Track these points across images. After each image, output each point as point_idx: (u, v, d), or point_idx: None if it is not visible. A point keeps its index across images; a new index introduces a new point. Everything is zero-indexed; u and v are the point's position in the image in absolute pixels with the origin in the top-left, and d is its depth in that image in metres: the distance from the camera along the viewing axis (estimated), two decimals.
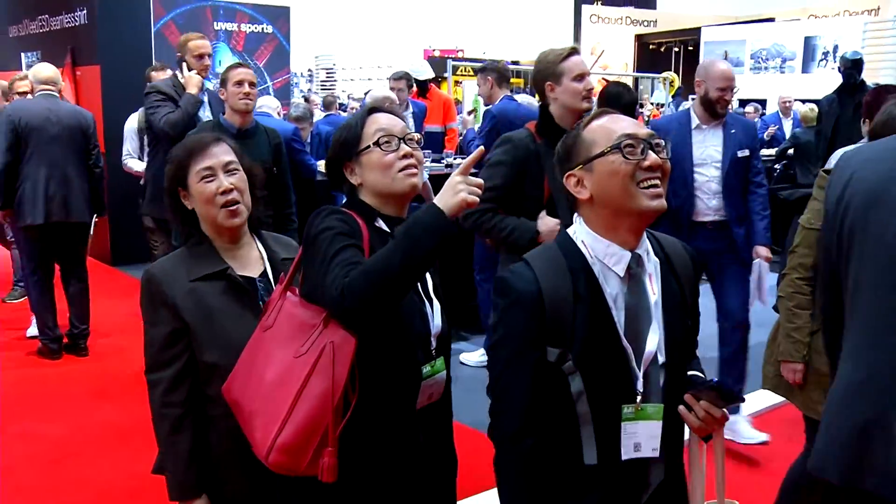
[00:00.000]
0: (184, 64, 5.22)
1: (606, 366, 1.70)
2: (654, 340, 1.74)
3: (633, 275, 1.74)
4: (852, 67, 7.34)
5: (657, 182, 1.69)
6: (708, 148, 4.29)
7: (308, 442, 1.84)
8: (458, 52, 20.03)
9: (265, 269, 2.19)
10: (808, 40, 13.99)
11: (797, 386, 3.08)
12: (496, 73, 5.77)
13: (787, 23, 14.81)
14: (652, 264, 1.78)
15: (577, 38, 19.23)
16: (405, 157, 2.00)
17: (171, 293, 2.05)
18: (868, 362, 1.89)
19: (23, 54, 10.27)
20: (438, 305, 2.10)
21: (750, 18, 15.26)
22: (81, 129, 5.63)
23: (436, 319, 2.07)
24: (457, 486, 2.26)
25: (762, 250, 4.29)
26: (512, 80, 15.91)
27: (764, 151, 9.33)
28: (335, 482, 1.87)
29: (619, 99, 4.80)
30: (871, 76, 11.23)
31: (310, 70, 21.08)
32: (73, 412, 4.74)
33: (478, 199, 1.80)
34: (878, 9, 12.93)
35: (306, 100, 12.25)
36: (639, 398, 1.72)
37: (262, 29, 9.87)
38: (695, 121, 4.34)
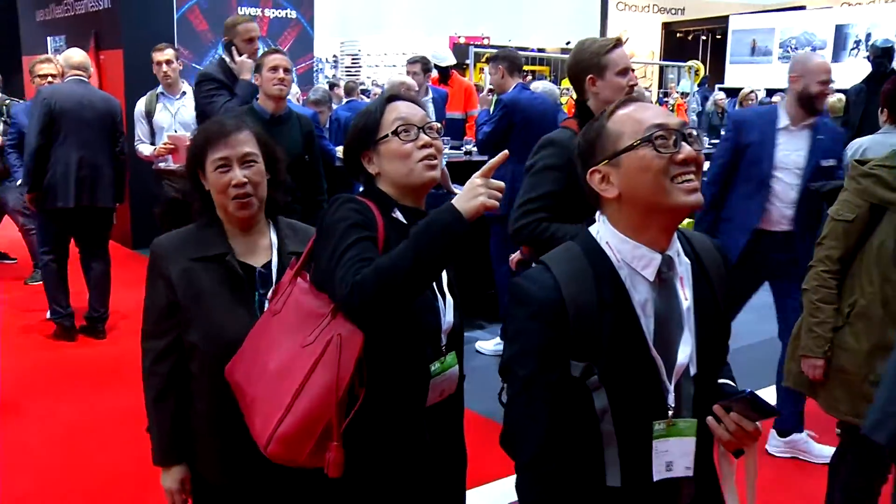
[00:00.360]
0: (233, 48, 5.08)
1: (634, 380, 1.57)
2: (686, 351, 1.60)
3: (664, 279, 1.60)
4: (882, 56, 7.19)
5: (692, 176, 1.54)
6: (792, 153, 3.92)
7: (308, 435, 1.81)
8: (483, 39, 19.93)
9: (271, 258, 2.15)
10: (839, 28, 13.76)
11: (818, 383, 2.97)
12: (507, 62, 5.65)
13: (817, 10, 14.58)
14: (683, 266, 1.64)
15: (603, 25, 19.10)
16: (424, 147, 1.95)
17: (169, 268, 2.05)
18: None
19: (49, 38, 10.33)
20: (451, 301, 2.05)
21: (780, 6, 15.05)
22: (111, 116, 5.71)
23: (448, 315, 2.02)
24: (466, 478, 2.22)
25: None
26: (537, 68, 15.87)
27: None
28: (339, 477, 1.84)
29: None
30: None
31: (335, 56, 21.08)
32: (89, 393, 4.77)
33: (497, 203, 1.73)
34: None
35: (333, 86, 12.22)
36: (670, 413, 1.59)
37: (286, 14, 9.84)
38: (783, 121, 3.95)
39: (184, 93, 6.11)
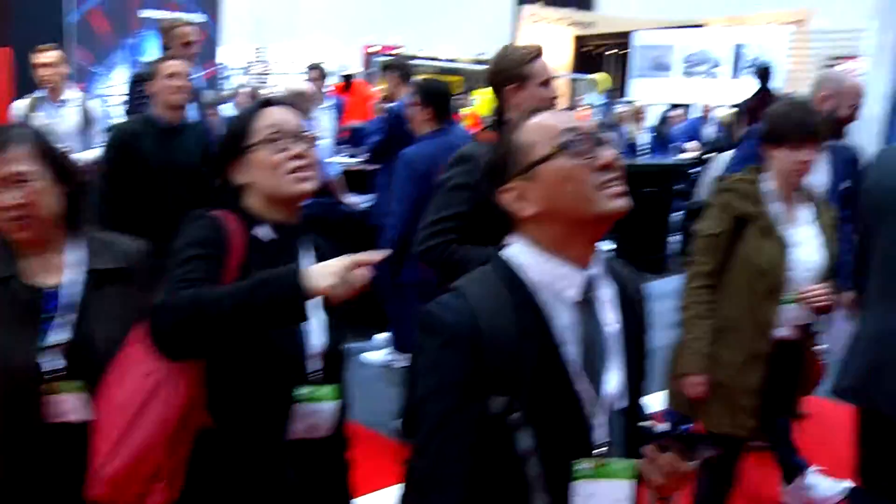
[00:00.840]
0: (169, 52, 4.91)
1: (560, 415, 1.44)
2: (616, 380, 1.49)
3: (588, 300, 1.49)
4: (762, 75, 7.55)
5: (616, 180, 1.44)
6: (813, 175, 3.58)
7: (138, 474, 1.66)
8: (397, 48, 19.92)
9: (68, 277, 1.95)
10: (736, 47, 14.26)
11: (700, 401, 2.98)
12: (400, 70, 5.67)
13: (716, 29, 15.05)
14: (608, 289, 1.54)
15: (515, 38, 19.27)
16: (296, 157, 1.82)
17: None
18: (881, 318, 2.63)
19: None
20: (326, 319, 1.87)
21: (681, 24, 15.49)
22: None
23: (317, 337, 1.84)
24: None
25: (846, 295, 3.39)
26: (448, 78, 15.94)
27: (682, 156, 9.50)
28: None
29: (439, 92, 4.54)
30: (794, 84, 11.51)
31: (248, 63, 20.79)
32: None
33: (344, 297, 1.60)
34: (803, 20, 13.29)
35: (237, 93, 12.05)
36: (600, 451, 1.46)
37: (194, 18, 9.67)
38: None
39: (63, 101, 5.72)
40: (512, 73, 2.86)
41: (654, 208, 7.64)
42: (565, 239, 1.46)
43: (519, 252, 1.50)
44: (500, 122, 2.92)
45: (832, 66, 11.63)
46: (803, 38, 13.05)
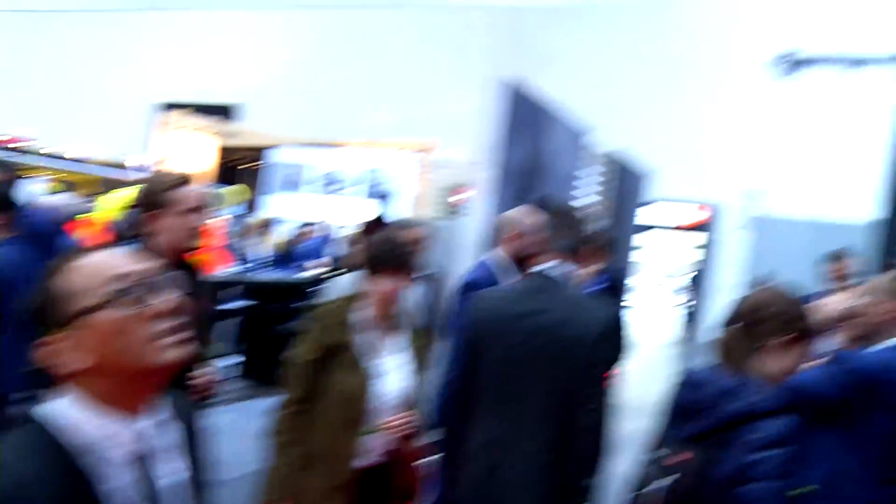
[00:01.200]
0: None
1: None
2: None
3: (145, 455, 1.39)
4: (379, 197, 8.09)
5: (176, 327, 1.36)
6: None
7: None
8: (28, 141, 18.53)
9: None
10: (369, 171, 15.11)
11: None
12: (11, 172, 5.30)
13: (352, 150, 15.82)
14: (171, 434, 1.45)
15: (154, 144, 18.80)
16: None
17: None
18: (490, 429, 2.80)
19: None
20: None
21: (320, 142, 16.08)
22: None
23: None
24: None
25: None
26: (78, 178, 15.03)
27: (303, 274, 9.69)
28: None
29: (9, 198, 4.18)
30: (420, 208, 12.40)
31: None
32: None
33: None
34: (429, 150, 14.46)
35: None
36: None
37: None
38: (509, 277, 3.80)
39: None
40: (153, 199, 2.86)
41: (277, 324, 7.67)
42: (118, 393, 1.35)
43: (63, 410, 1.34)
44: (136, 241, 2.87)
45: (451, 194, 12.76)
46: (428, 167, 14.17)
